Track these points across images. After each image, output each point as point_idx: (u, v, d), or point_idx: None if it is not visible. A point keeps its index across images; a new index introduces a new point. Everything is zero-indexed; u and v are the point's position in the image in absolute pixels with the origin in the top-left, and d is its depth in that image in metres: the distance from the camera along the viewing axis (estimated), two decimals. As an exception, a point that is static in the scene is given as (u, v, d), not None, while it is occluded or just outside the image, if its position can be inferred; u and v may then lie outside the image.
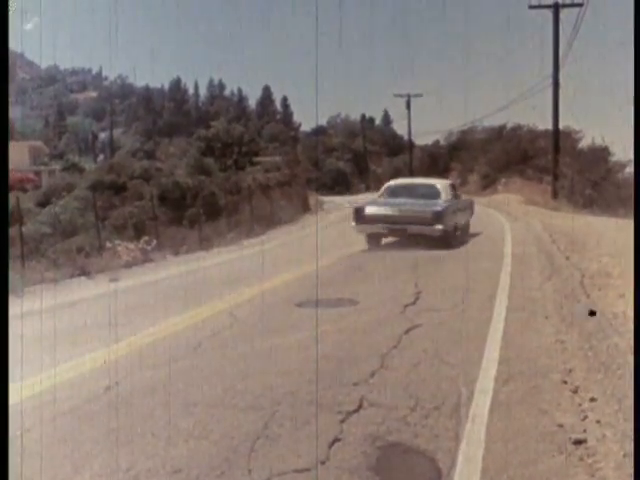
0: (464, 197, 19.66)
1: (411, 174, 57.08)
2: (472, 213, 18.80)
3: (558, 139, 32.84)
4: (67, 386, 5.58)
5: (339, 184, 58.04)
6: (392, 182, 18.15)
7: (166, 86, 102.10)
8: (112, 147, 70.18)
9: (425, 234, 15.02)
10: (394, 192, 16.86)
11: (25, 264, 13.84)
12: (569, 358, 5.90)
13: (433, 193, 16.30)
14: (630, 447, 3.76)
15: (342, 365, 5.84)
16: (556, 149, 32.42)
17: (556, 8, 31.46)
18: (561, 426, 4.33)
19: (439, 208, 15.37)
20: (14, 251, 13.42)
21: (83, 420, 4.77)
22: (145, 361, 6.30)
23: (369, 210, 15.94)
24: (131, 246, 16.41)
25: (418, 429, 4.32)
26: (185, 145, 51.64)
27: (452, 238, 15.41)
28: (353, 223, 15.99)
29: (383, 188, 17.54)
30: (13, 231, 13.76)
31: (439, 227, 15.00)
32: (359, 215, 15.87)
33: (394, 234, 15.78)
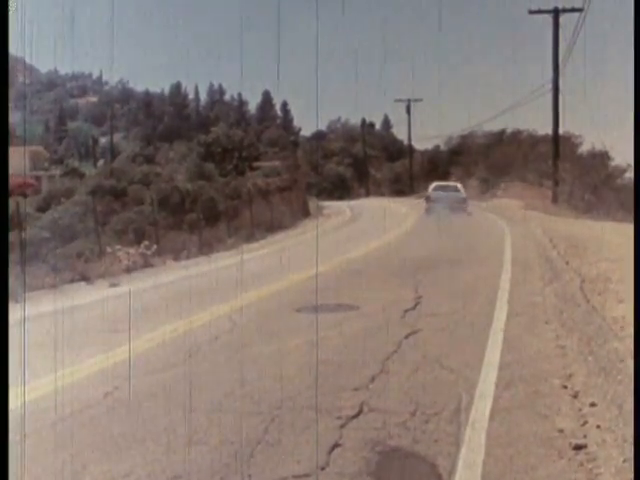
0: None
1: (411, 179, 57.38)
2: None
3: (558, 144, 32.92)
4: (66, 391, 5.57)
5: (339, 189, 58.07)
6: (435, 183, 33.21)
7: (166, 91, 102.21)
8: (112, 152, 70.17)
9: (456, 208, 28.20)
10: (438, 188, 31.63)
11: (25, 269, 13.83)
12: (569, 363, 5.90)
13: (456, 189, 31.57)
14: (630, 452, 3.75)
15: (342, 370, 5.84)
16: (556, 154, 32.48)
17: (556, 13, 31.58)
18: (561, 431, 4.33)
19: (464, 196, 30.87)
20: (14, 256, 13.40)
21: (82, 425, 4.77)
22: (144, 366, 6.29)
23: (432, 197, 30.57)
24: (131, 251, 16.42)
25: (418, 434, 4.32)
26: (185, 150, 51.61)
27: (466, 211, 29.00)
28: (425, 203, 30.87)
29: (431, 186, 32.34)
30: (13, 236, 13.75)
31: (464, 205, 29.52)
32: (428, 199, 30.86)
33: (444, 208, 28.00)
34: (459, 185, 32.50)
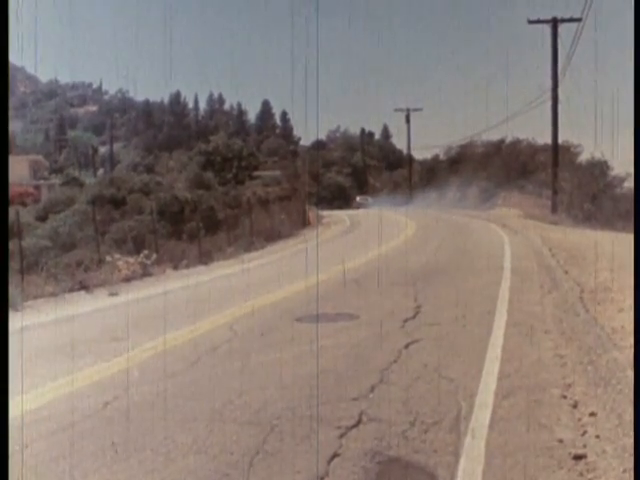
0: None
1: (410, 188, 57.68)
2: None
3: (557, 153, 32.94)
4: (66, 401, 5.57)
5: (338, 198, 58.33)
6: (358, 196, 62.40)
7: (166, 100, 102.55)
8: (112, 161, 70.27)
9: (366, 204, 58.00)
10: (360, 199, 61.01)
11: (25, 278, 13.84)
12: (569, 373, 5.90)
13: (367, 198, 61.24)
14: (630, 462, 3.75)
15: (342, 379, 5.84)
16: (555, 163, 32.50)
17: (555, 23, 31.65)
18: (561, 441, 4.32)
19: (371, 201, 59.76)
20: (14, 265, 13.42)
21: (82, 435, 4.76)
22: (144, 376, 6.29)
23: (359, 201, 60.16)
24: (131, 260, 16.41)
25: (417, 444, 4.31)
26: (185, 159, 51.76)
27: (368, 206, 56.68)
28: (356, 203, 60.26)
29: (357, 198, 61.80)
30: (13, 245, 13.76)
31: (368, 204, 58.41)
32: (355, 203, 59.29)
33: (362, 207, 55.30)
34: (368, 197, 61.27)
